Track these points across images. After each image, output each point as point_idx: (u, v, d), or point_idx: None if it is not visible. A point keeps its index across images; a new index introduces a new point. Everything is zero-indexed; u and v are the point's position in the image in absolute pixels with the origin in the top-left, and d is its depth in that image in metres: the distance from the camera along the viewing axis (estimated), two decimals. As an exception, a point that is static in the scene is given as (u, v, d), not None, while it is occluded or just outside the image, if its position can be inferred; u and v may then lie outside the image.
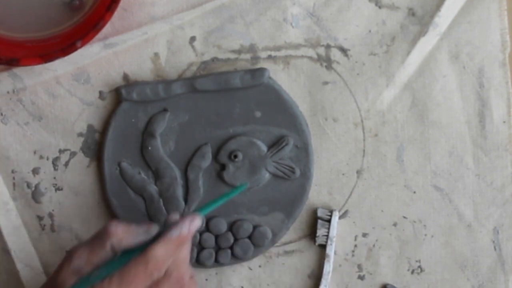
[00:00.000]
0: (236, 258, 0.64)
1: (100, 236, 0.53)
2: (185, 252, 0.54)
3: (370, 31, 0.64)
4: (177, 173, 0.63)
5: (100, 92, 0.64)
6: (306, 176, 0.63)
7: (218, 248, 0.64)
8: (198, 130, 0.63)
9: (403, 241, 0.65)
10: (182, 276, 0.53)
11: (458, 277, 0.65)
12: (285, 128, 0.63)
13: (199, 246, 0.64)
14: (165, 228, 0.53)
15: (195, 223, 0.54)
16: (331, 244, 0.64)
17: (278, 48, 0.64)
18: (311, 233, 0.65)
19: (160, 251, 0.51)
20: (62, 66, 0.63)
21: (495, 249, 0.65)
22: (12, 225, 0.64)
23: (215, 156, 0.63)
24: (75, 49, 0.59)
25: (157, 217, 0.64)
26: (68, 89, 0.64)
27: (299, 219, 0.64)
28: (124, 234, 0.53)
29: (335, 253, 0.64)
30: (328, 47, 0.64)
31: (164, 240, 0.52)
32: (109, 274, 0.51)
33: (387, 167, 0.64)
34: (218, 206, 0.59)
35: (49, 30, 0.62)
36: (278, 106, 0.63)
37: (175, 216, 0.55)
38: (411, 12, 0.63)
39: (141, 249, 0.52)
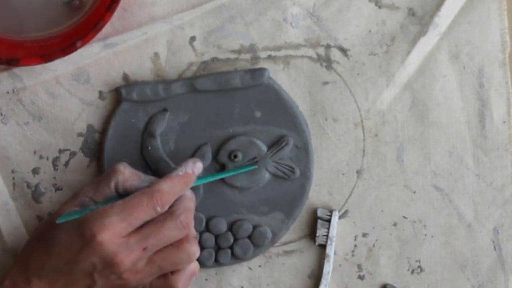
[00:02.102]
0: (236, 258, 0.64)
1: (107, 175, 0.56)
2: (193, 202, 0.56)
3: (370, 31, 0.63)
4: (177, 173, 0.63)
5: (100, 92, 0.64)
6: (306, 176, 0.63)
7: (218, 248, 0.64)
8: (198, 130, 0.63)
9: (403, 241, 0.65)
10: (188, 222, 0.54)
11: (458, 277, 0.65)
12: (285, 128, 0.63)
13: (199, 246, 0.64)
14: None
15: (198, 165, 0.57)
16: (331, 244, 0.64)
17: (278, 48, 0.64)
18: (311, 233, 0.65)
19: (165, 185, 0.53)
20: (62, 66, 0.63)
21: (495, 249, 0.65)
22: (12, 225, 0.64)
23: (215, 156, 0.63)
24: (75, 49, 0.59)
25: (157, 217, 0.64)
26: (68, 89, 0.64)
27: (299, 219, 0.64)
28: (130, 175, 0.55)
29: (335, 253, 0.64)
30: (328, 47, 0.64)
31: (170, 176, 0.54)
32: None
33: (387, 167, 0.64)
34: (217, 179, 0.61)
35: (49, 30, 0.62)
36: (278, 106, 0.63)
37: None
38: (411, 12, 0.63)
39: None
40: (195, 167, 0.57)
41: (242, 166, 0.62)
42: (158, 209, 0.52)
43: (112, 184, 0.55)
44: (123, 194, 0.55)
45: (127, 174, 0.56)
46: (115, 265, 0.51)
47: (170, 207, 0.54)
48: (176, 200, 0.55)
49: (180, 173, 0.55)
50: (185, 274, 0.55)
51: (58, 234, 0.53)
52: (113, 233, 0.51)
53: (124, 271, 0.52)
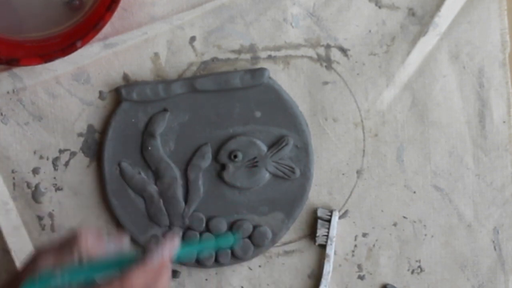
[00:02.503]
0: (236, 258, 0.64)
1: (68, 242, 0.50)
2: (165, 280, 0.50)
3: (370, 31, 0.64)
4: (177, 173, 0.63)
5: (100, 92, 0.64)
6: (306, 176, 0.63)
7: (218, 248, 0.64)
8: (198, 130, 0.63)
9: (403, 241, 0.65)
10: None
11: (458, 277, 0.65)
12: (285, 128, 0.63)
13: (199, 246, 0.64)
14: (144, 251, 0.50)
15: (175, 245, 0.50)
16: (331, 244, 0.64)
17: (278, 48, 0.64)
18: (311, 233, 0.65)
19: (138, 279, 0.47)
20: (62, 66, 0.63)
21: (495, 249, 0.65)
22: (12, 225, 0.64)
23: (215, 156, 0.63)
24: (75, 49, 0.59)
25: (157, 217, 0.64)
26: (68, 89, 0.64)
27: (299, 219, 0.64)
28: (93, 245, 0.50)
29: (335, 253, 0.64)
30: (328, 47, 0.64)
31: (144, 267, 0.48)
32: (79, 281, 0.48)
33: (387, 167, 0.64)
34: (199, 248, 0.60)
35: (49, 30, 0.62)
36: (278, 106, 0.63)
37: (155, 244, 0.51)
38: (411, 12, 0.63)
39: (110, 264, 0.49)
40: (172, 248, 0.50)
41: (220, 237, 0.61)
42: None
43: (76, 255, 0.49)
44: (87, 265, 0.50)
45: (89, 244, 0.49)
46: None
47: None
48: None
49: (156, 262, 0.49)
50: None
51: None
52: None
53: None
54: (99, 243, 0.50)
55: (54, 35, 0.62)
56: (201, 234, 0.64)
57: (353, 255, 0.65)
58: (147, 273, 0.48)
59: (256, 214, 0.64)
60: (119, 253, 0.50)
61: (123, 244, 0.51)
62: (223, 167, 0.63)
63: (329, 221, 0.64)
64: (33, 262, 0.50)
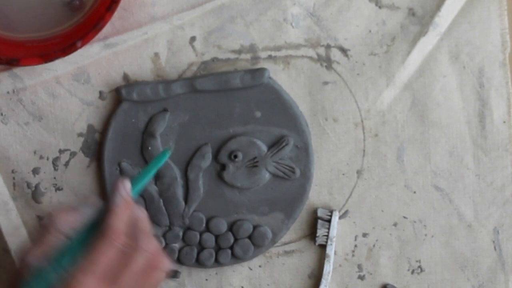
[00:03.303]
0: (236, 258, 0.64)
1: (44, 227, 0.52)
2: (144, 220, 0.53)
3: (370, 31, 0.64)
4: (177, 173, 0.63)
5: (100, 92, 0.64)
6: (306, 176, 0.63)
7: (218, 248, 0.64)
8: (198, 130, 0.63)
9: (403, 241, 0.65)
10: (150, 246, 0.51)
11: (458, 277, 0.65)
12: (285, 128, 0.63)
13: (199, 246, 0.64)
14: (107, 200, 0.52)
15: (126, 184, 0.53)
16: (331, 244, 0.64)
17: (278, 48, 0.64)
18: (311, 233, 0.65)
19: (113, 219, 0.51)
20: (62, 66, 0.63)
21: (495, 249, 0.65)
22: (12, 225, 0.64)
23: (215, 156, 0.63)
24: (75, 49, 0.59)
25: (157, 217, 0.64)
26: (68, 89, 0.64)
27: (299, 219, 0.64)
28: (68, 215, 0.51)
29: (335, 253, 0.64)
30: (328, 47, 0.64)
31: (112, 209, 0.51)
32: (70, 258, 0.49)
33: (387, 167, 0.64)
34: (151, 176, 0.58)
35: (49, 30, 0.62)
36: (278, 106, 0.63)
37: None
38: (411, 12, 0.63)
39: (93, 224, 0.51)
40: (125, 187, 0.53)
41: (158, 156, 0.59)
42: (117, 244, 0.50)
43: (57, 233, 0.51)
44: (74, 236, 0.51)
45: (64, 215, 0.51)
46: None
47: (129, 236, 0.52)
48: (131, 228, 0.52)
49: (118, 201, 0.52)
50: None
51: None
52: None
53: None
54: (74, 214, 0.52)
55: (54, 35, 0.62)
56: (201, 234, 0.64)
57: (353, 255, 0.65)
58: (118, 214, 0.51)
59: (256, 214, 0.64)
60: (93, 214, 0.52)
61: (94, 203, 0.53)
62: (223, 167, 0.63)
63: (329, 221, 0.64)
64: (22, 264, 0.51)
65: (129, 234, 0.51)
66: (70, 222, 0.51)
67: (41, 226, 0.52)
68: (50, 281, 0.48)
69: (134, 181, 0.54)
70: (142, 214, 0.54)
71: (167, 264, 0.53)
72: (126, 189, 0.53)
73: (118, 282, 0.50)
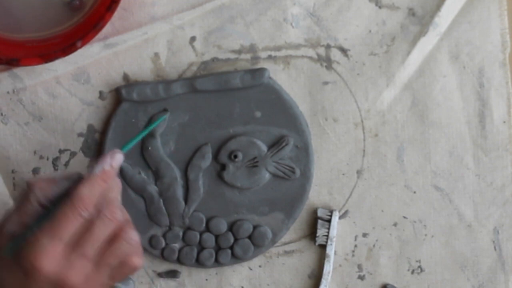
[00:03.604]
0: (236, 258, 0.64)
1: (24, 196, 0.53)
2: (115, 191, 0.54)
3: (370, 31, 0.64)
4: (177, 173, 0.63)
5: (100, 92, 0.64)
6: (306, 176, 0.63)
7: (218, 248, 0.64)
8: (198, 130, 0.63)
9: (403, 241, 0.65)
10: (114, 215, 0.52)
11: (458, 277, 0.65)
12: (285, 128, 0.63)
13: (199, 246, 0.64)
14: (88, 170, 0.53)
15: (117, 158, 0.54)
16: (331, 244, 0.64)
17: (278, 48, 0.64)
18: (311, 233, 0.65)
19: (84, 189, 0.51)
20: (62, 66, 0.63)
21: (495, 249, 0.65)
22: (12, 225, 0.64)
23: (215, 156, 0.63)
24: (75, 49, 0.59)
25: (157, 217, 0.64)
26: (68, 89, 0.64)
27: (299, 219, 0.64)
28: (46, 185, 0.52)
29: (335, 253, 0.64)
30: (328, 47, 0.64)
31: (87, 178, 0.52)
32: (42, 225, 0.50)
33: (387, 167, 0.64)
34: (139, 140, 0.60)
35: (49, 30, 0.62)
36: (278, 106, 0.63)
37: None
38: (411, 12, 0.63)
39: (67, 194, 0.51)
40: (114, 160, 0.54)
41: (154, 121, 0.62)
42: (84, 214, 0.51)
43: (35, 202, 0.52)
44: (49, 206, 0.53)
45: (42, 184, 0.52)
46: (66, 286, 0.50)
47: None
48: (101, 198, 0.53)
49: (97, 171, 0.53)
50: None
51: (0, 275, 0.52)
52: (51, 255, 0.49)
53: (78, 286, 0.50)
54: (50, 182, 0.53)
55: (54, 35, 0.62)
56: (201, 234, 0.64)
57: (353, 255, 0.65)
58: (92, 183, 0.52)
59: (256, 214, 0.64)
60: (70, 184, 0.53)
61: (73, 176, 0.54)
62: (223, 167, 0.63)
63: (329, 221, 0.64)
64: (0, 231, 0.52)
65: (99, 211, 0.52)
66: (47, 192, 0.52)
67: (20, 194, 0.53)
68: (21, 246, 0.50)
69: (123, 146, 0.57)
70: (116, 185, 0.54)
71: (133, 236, 0.52)
72: (114, 160, 0.54)
73: (82, 249, 0.51)
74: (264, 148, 0.63)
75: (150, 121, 0.63)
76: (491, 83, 0.64)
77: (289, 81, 0.64)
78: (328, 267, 0.64)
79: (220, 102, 0.63)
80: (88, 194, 0.51)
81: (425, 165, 0.64)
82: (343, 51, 0.64)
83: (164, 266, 0.65)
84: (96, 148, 0.64)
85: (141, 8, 0.63)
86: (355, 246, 0.65)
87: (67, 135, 0.64)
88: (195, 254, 0.64)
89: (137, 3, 0.63)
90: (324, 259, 0.64)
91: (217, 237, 0.64)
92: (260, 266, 0.65)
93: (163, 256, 0.64)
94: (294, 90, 0.64)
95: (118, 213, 0.52)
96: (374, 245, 0.65)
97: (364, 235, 0.65)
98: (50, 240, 0.49)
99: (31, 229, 0.50)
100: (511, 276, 0.65)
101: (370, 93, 0.64)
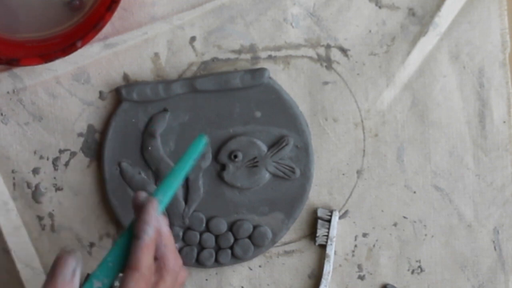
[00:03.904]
0: (236, 258, 0.64)
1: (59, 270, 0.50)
2: (170, 240, 0.52)
3: (370, 31, 0.64)
4: (177, 173, 0.63)
5: (100, 92, 0.64)
6: (306, 176, 0.63)
7: (218, 248, 0.64)
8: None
9: (403, 241, 0.65)
10: (177, 265, 0.51)
11: (458, 277, 0.65)
12: (285, 128, 0.63)
13: (199, 246, 0.64)
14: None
15: (155, 206, 0.51)
16: (331, 244, 0.64)
17: (278, 48, 0.64)
18: (311, 233, 0.65)
19: (144, 259, 0.49)
20: (62, 66, 0.63)
21: (495, 249, 0.65)
22: (12, 225, 0.64)
23: (215, 156, 0.63)
24: (75, 49, 0.59)
25: (157, 217, 0.64)
26: (68, 89, 0.64)
27: (299, 219, 0.64)
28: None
29: (335, 253, 0.64)
30: (328, 47, 0.64)
31: (141, 241, 0.49)
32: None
33: (387, 167, 0.64)
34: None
35: (49, 30, 0.62)
36: (278, 106, 0.63)
37: (142, 196, 0.52)
38: (411, 12, 0.63)
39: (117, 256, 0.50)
40: (160, 224, 0.51)
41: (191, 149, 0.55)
42: (153, 279, 0.50)
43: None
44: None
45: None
46: None
47: (157, 259, 0.51)
48: (157, 248, 0.51)
49: (147, 240, 0.50)
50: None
51: None
52: None
53: None
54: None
55: (54, 35, 0.62)
56: (201, 234, 0.64)
57: (353, 255, 0.65)
58: (146, 249, 0.49)
59: (256, 214, 0.64)
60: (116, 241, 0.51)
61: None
62: (223, 167, 0.63)
63: (329, 221, 0.64)
64: None
65: (159, 257, 0.51)
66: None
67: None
68: None
69: (160, 190, 0.52)
70: (167, 232, 0.52)
71: (186, 276, 0.53)
72: (155, 210, 0.51)
73: None
74: (264, 148, 0.63)
75: (150, 122, 0.63)
76: (491, 83, 0.64)
77: (289, 81, 0.64)
78: (328, 267, 0.64)
79: (220, 102, 0.63)
80: (148, 261, 0.49)
81: (425, 165, 0.64)
82: (343, 51, 0.64)
83: (164, 266, 0.65)
84: (96, 148, 0.64)
85: (141, 8, 0.63)
86: (355, 246, 0.65)
87: (67, 135, 0.64)
88: (195, 254, 0.64)
89: (137, 3, 0.63)
90: (324, 259, 0.64)
91: (217, 237, 0.64)
92: (260, 266, 0.65)
93: (163, 256, 0.64)
94: (294, 90, 0.64)
95: (179, 262, 0.52)
96: (374, 245, 0.65)
97: (364, 235, 0.65)
98: None
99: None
100: (511, 276, 0.65)
101: (370, 93, 0.64)
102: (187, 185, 0.63)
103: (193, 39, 0.64)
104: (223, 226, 0.64)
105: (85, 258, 0.64)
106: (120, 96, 0.63)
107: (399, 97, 0.64)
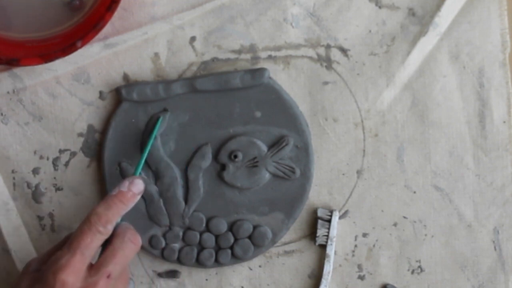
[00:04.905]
0: (236, 258, 0.64)
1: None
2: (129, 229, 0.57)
3: (370, 31, 0.64)
4: (177, 173, 0.63)
5: (100, 92, 0.64)
6: (306, 176, 0.63)
7: (218, 248, 0.64)
8: (198, 130, 0.63)
9: (403, 241, 0.65)
10: (136, 240, 0.56)
11: (458, 277, 0.65)
12: (285, 128, 0.63)
13: (199, 246, 0.64)
14: None
15: (136, 183, 0.57)
16: (331, 244, 0.64)
17: (278, 48, 0.64)
18: (311, 233, 0.65)
19: (100, 207, 0.55)
20: (62, 66, 0.63)
21: (495, 249, 0.65)
22: (12, 225, 0.64)
23: (215, 156, 0.63)
24: (75, 49, 0.59)
25: (157, 217, 0.64)
26: (68, 89, 0.64)
27: (299, 219, 0.64)
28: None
29: (335, 253, 0.64)
30: (328, 47, 0.64)
31: (104, 199, 0.56)
32: None
33: (387, 167, 0.64)
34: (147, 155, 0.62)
35: (49, 30, 0.62)
36: (278, 106, 0.63)
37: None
38: (411, 12, 0.63)
39: None
40: (132, 184, 0.57)
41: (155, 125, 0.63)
42: (101, 229, 0.54)
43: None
44: None
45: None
46: None
47: (116, 229, 0.56)
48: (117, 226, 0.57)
49: (114, 193, 0.56)
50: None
51: None
52: (73, 270, 0.52)
53: None
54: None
55: (54, 35, 0.62)
56: (201, 234, 0.64)
57: (353, 255, 0.65)
58: (108, 202, 0.55)
59: (256, 214, 0.64)
60: None
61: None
62: (223, 167, 0.63)
63: (329, 221, 0.64)
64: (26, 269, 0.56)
65: (117, 228, 0.57)
66: None
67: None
68: None
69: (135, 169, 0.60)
70: (131, 194, 0.58)
71: (139, 241, 0.57)
72: (132, 184, 0.58)
73: (106, 269, 0.54)
74: (264, 148, 0.63)
75: (149, 123, 0.63)
76: (491, 83, 0.64)
77: (289, 81, 0.64)
78: (328, 267, 0.64)
79: (220, 102, 0.63)
80: (104, 211, 0.54)
81: (425, 165, 0.64)
82: (343, 51, 0.64)
83: (164, 266, 0.65)
84: (96, 148, 0.64)
85: (141, 8, 0.63)
86: (355, 246, 0.65)
87: (67, 135, 0.64)
88: (195, 254, 0.64)
89: (137, 3, 0.63)
90: (324, 259, 0.64)
91: (217, 237, 0.64)
92: (260, 266, 0.65)
93: (163, 256, 0.64)
94: (294, 90, 0.64)
95: (138, 237, 0.57)
96: (374, 245, 0.65)
97: (364, 235, 0.65)
98: (72, 255, 0.52)
99: None
100: (511, 276, 0.65)
101: (370, 93, 0.64)
102: (187, 185, 0.64)
103: (193, 39, 0.64)
104: (223, 226, 0.64)
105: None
106: (120, 96, 0.63)
107: (399, 97, 0.64)
